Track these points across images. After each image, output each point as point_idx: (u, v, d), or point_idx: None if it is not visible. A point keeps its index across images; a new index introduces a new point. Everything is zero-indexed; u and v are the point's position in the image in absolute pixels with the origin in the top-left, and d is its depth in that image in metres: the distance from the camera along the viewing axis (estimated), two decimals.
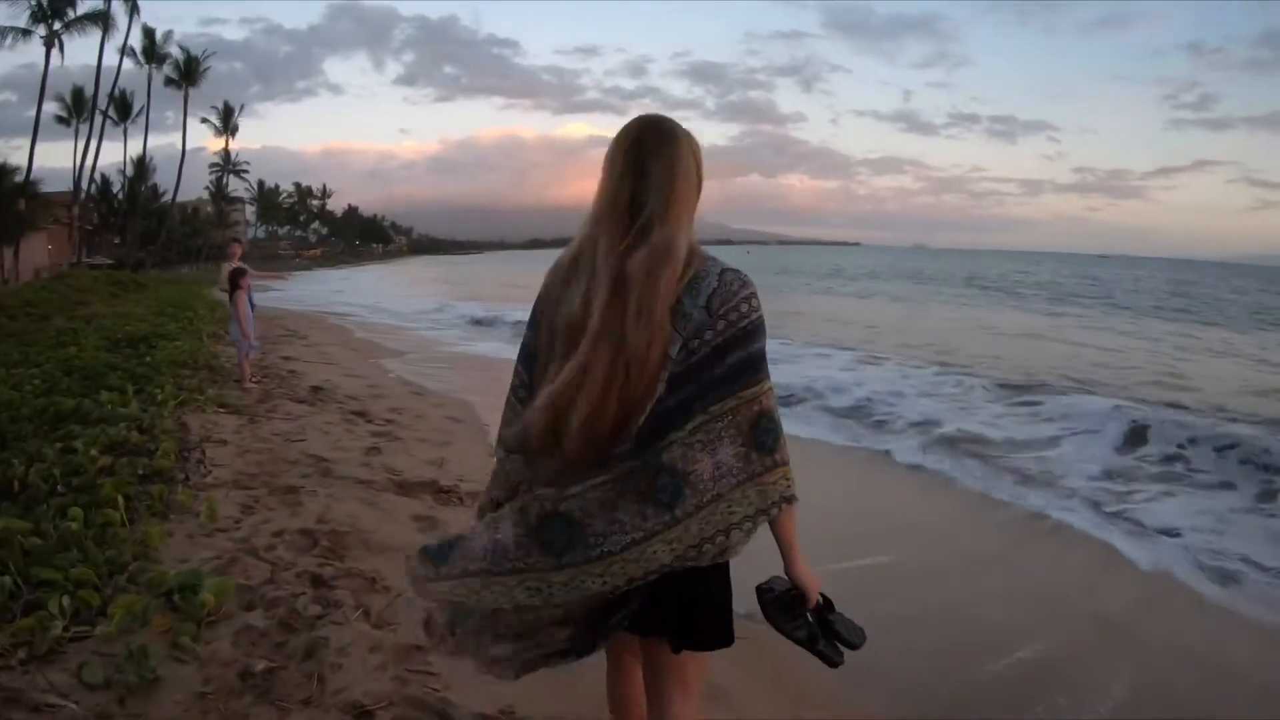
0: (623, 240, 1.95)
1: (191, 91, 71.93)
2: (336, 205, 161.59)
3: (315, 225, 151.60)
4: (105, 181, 73.63)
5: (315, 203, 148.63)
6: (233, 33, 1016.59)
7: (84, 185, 59.88)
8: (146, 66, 67.20)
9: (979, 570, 6.18)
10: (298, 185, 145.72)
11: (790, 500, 2.01)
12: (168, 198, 76.37)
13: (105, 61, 60.03)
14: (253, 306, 11.95)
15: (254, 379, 11.52)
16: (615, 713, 2.52)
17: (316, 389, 11.09)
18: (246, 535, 5.13)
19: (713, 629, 2.10)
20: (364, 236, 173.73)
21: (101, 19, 53.35)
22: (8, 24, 49.67)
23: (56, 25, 50.97)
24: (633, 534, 1.90)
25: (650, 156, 2.00)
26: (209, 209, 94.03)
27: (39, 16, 50.34)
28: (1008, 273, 66.97)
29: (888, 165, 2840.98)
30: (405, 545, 4.48)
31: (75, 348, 12.99)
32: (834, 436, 10.57)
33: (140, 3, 64.78)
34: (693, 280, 1.96)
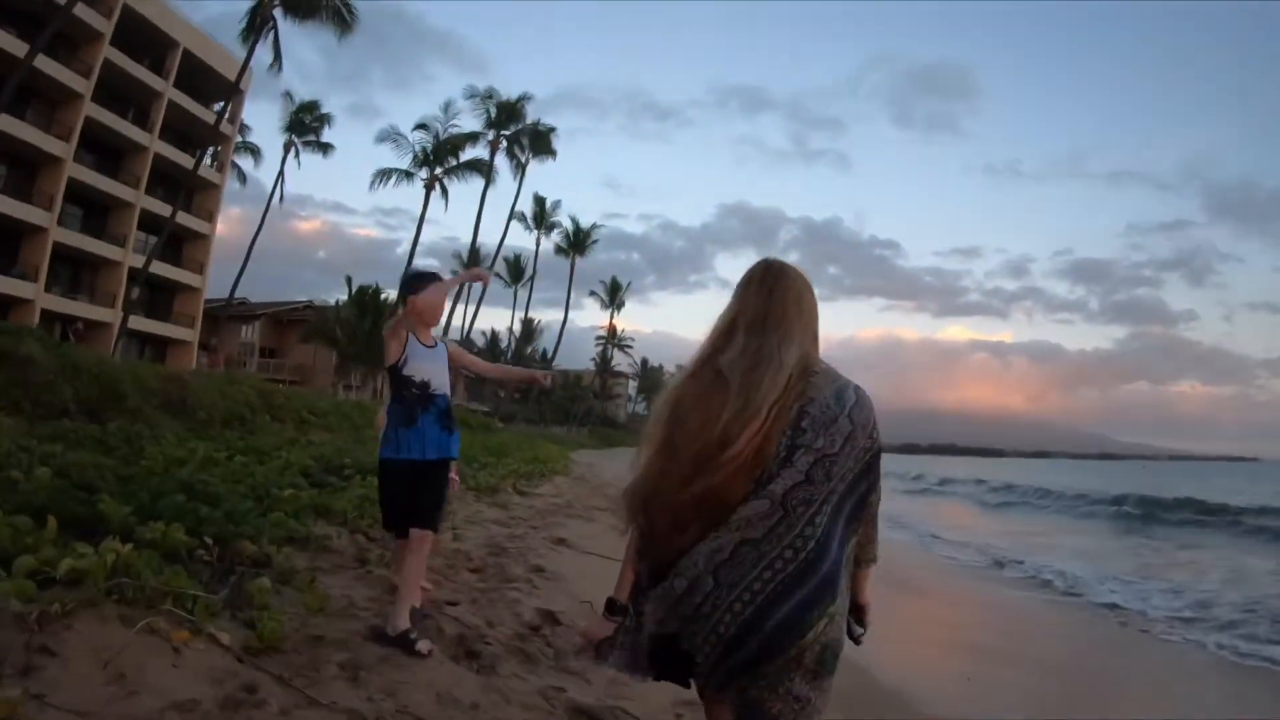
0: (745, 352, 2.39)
1: (586, 272, 75.16)
2: None
3: None
4: (494, 336, 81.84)
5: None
6: (632, 227, 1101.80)
7: (474, 338, 64.77)
8: (535, 231, 71.87)
9: None
10: (680, 368, 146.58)
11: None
12: (557, 364, 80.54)
13: (490, 218, 62.38)
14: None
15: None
16: None
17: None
18: None
19: None
20: None
21: (482, 169, 56.19)
22: (392, 166, 54.62)
23: (438, 170, 54.19)
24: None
25: (760, 288, 2.49)
26: (596, 380, 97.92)
27: (422, 161, 53.97)
28: None
29: None
30: None
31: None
32: None
33: (554, 201, 71.89)
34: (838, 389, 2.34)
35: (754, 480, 2.24)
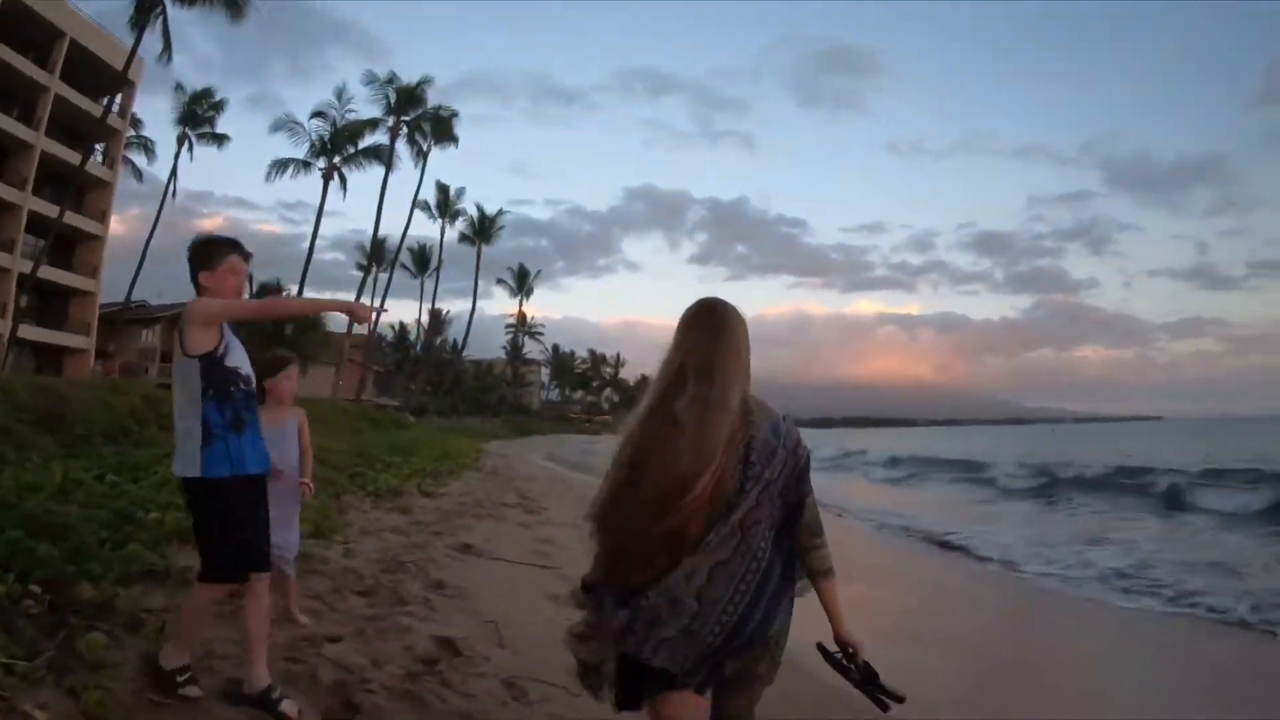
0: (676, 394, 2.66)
1: (493, 259, 74.45)
2: (630, 374, 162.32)
3: (608, 393, 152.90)
4: (402, 329, 79.81)
5: (608, 370, 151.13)
6: (539, 212, 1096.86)
7: (380, 333, 63.47)
8: (440, 220, 70.16)
9: None
10: (592, 352, 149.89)
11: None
12: (468, 355, 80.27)
13: (394, 208, 61.02)
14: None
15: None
16: None
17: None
18: None
19: None
20: None
21: (383, 156, 54.38)
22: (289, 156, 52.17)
23: (336, 159, 52.39)
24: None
25: (705, 332, 2.74)
26: (508, 369, 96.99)
27: (319, 150, 52.10)
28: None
29: (1187, 328, 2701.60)
30: None
31: None
32: None
33: (457, 188, 70.07)
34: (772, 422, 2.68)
35: (712, 513, 2.54)
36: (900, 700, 2.65)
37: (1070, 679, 6.52)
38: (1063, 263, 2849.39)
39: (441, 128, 58.35)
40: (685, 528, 2.52)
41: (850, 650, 2.72)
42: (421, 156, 58.32)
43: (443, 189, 68.85)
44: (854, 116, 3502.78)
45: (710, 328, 2.74)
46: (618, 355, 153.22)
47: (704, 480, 2.51)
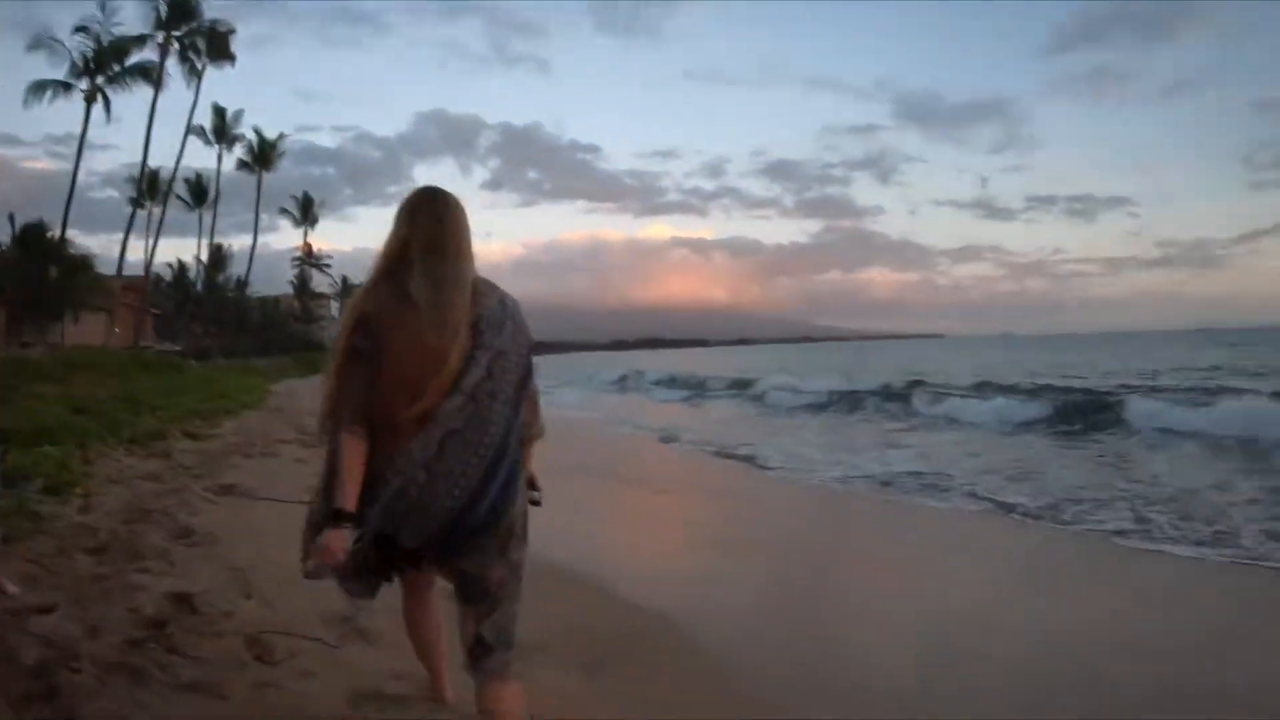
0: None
1: (277, 190, 74.51)
2: None
3: None
4: (181, 268, 72.96)
5: None
6: (326, 140, 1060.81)
7: (158, 272, 59.35)
8: (217, 146, 65.24)
9: None
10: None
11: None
12: (253, 291, 76.92)
13: (170, 138, 56.39)
14: None
15: None
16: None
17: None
18: None
19: None
20: None
21: (152, 75, 49.43)
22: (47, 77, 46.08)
23: (100, 80, 47.14)
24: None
25: (429, 215, 2.72)
26: (295, 304, 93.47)
27: (82, 70, 46.57)
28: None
29: (968, 254, 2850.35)
30: None
31: None
32: None
33: (235, 111, 64.39)
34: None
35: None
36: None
37: (886, 576, 6.88)
38: (851, 191, 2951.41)
39: (217, 44, 53.49)
40: (436, 406, 2.55)
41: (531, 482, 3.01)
42: (196, 76, 53.34)
43: (219, 112, 64.03)
44: (652, 43, 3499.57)
45: (434, 212, 2.72)
46: None
47: (453, 357, 2.55)
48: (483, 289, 2.72)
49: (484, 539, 2.65)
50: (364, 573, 2.82)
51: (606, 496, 10.48)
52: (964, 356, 70.51)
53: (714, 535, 8.17)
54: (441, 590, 3.26)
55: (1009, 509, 9.21)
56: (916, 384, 28.19)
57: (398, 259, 2.67)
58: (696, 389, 37.26)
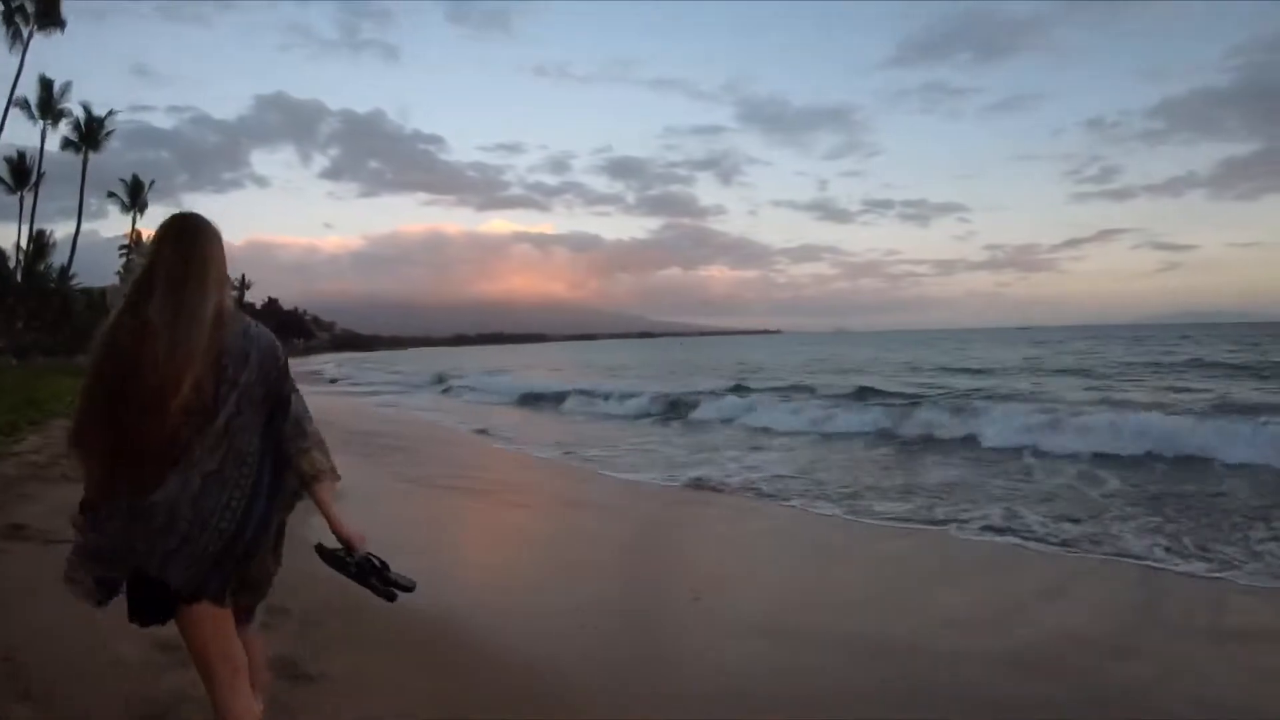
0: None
1: (108, 173, 68.13)
2: (258, 297, 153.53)
3: None
4: (0, 256, 66.71)
5: (233, 293, 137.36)
6: (162, 121, 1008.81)
7: None
8: (41, 122, 60.56)
9: None
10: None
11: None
12: (77, 282, 71.54)
13: None
14: None
15: None
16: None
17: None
18: None
19: None
20: (285, 330, 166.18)
21: None
22: None
23: None
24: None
25: (176, 245, 2.69)
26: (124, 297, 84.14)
27: None
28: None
29: (805, 254, 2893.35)
30: None
31: None
32: None
33: (63, 84, 59.23)
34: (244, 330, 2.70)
35: (196, 422, 2.54)
36: (410, 588, 2.75)
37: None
38: (693, 189, 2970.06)
39: (46, 7, 51.17)
40: (175, 435, 2.52)
41: (349, 545, 2.79)
42: (21, 43, 51.05)
43: (46, 85, 59.23)
44: (502, 36, 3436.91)
45: (180, 239, 2.71)
46: (243, 277, 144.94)
47: (185, 384, 2.52)
48: (230, 321, 2.69)
49: (250, 562, 2.69)
50: (146, 615, 2.72)
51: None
52: (798, 353, 73.63)
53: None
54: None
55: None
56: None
57: (145, 286, 2.65)
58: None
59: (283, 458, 2.73)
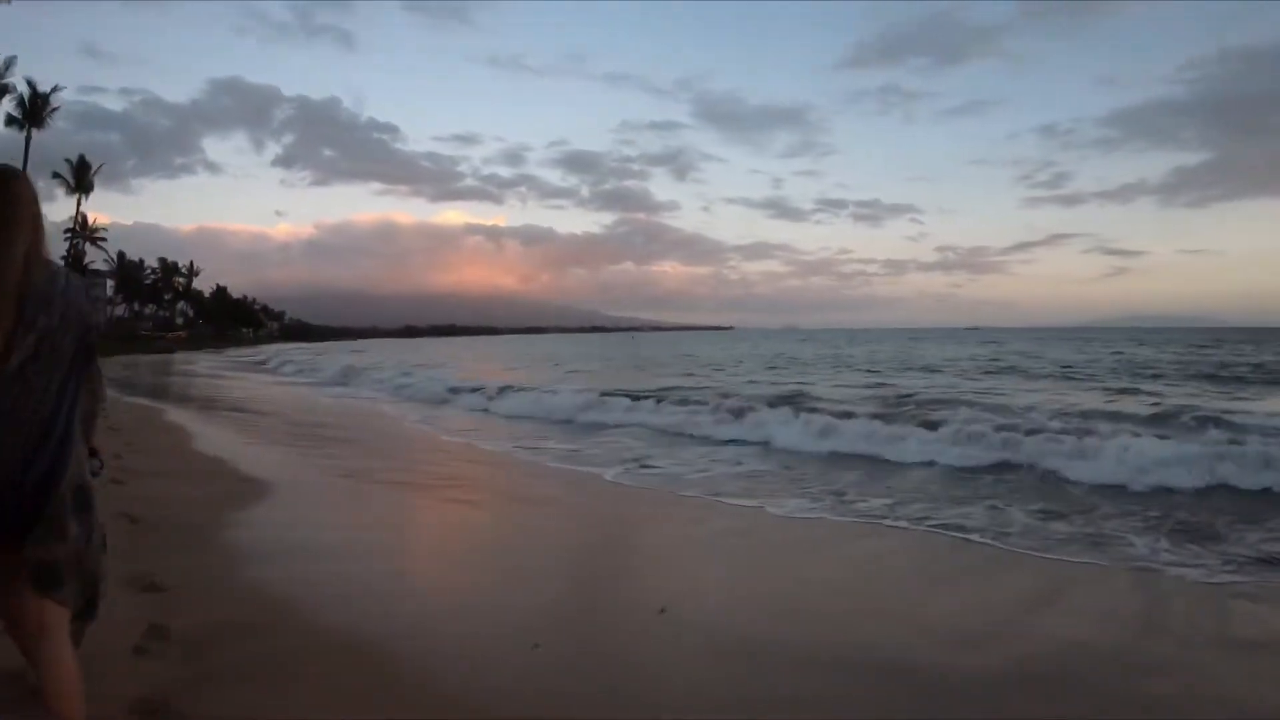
0: None
1: (53, 155, 63.68)
2: (206, 285, 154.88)
3: (182, 305, 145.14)
4: None
5: (180, 280, 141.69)
6: (112, 103, 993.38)
7: None
8: None
9: None
10: (163, 261, 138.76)
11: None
12: None
13: None
14: None
15: None
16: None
17: None
18: None
19: None
20: (233, 319, 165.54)
21: None
22: None
23: None
24: None
25: None
26: None
27: None
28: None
29: (758, 251, 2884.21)
30: None
31: None
32: None
33: (6, 58, 60.73)
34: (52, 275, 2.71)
35: None
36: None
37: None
38: (648, 185, 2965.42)
39: None
40: None
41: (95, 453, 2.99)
42: None
43: None
44: (459, 26, 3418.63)
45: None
46: (191, 264, 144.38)
47: (4, 326, 2.55)
48: (38, 265, 2.71)
49: (40, 513, 2.66)
50: None
51: None
52: (747, 348, 73.48)
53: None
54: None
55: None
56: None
57: None
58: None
59: (82, 414, 2.81)
